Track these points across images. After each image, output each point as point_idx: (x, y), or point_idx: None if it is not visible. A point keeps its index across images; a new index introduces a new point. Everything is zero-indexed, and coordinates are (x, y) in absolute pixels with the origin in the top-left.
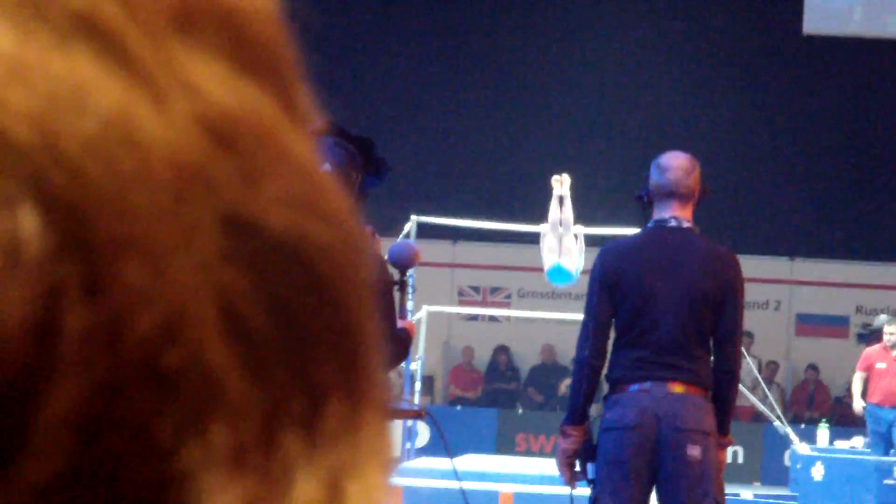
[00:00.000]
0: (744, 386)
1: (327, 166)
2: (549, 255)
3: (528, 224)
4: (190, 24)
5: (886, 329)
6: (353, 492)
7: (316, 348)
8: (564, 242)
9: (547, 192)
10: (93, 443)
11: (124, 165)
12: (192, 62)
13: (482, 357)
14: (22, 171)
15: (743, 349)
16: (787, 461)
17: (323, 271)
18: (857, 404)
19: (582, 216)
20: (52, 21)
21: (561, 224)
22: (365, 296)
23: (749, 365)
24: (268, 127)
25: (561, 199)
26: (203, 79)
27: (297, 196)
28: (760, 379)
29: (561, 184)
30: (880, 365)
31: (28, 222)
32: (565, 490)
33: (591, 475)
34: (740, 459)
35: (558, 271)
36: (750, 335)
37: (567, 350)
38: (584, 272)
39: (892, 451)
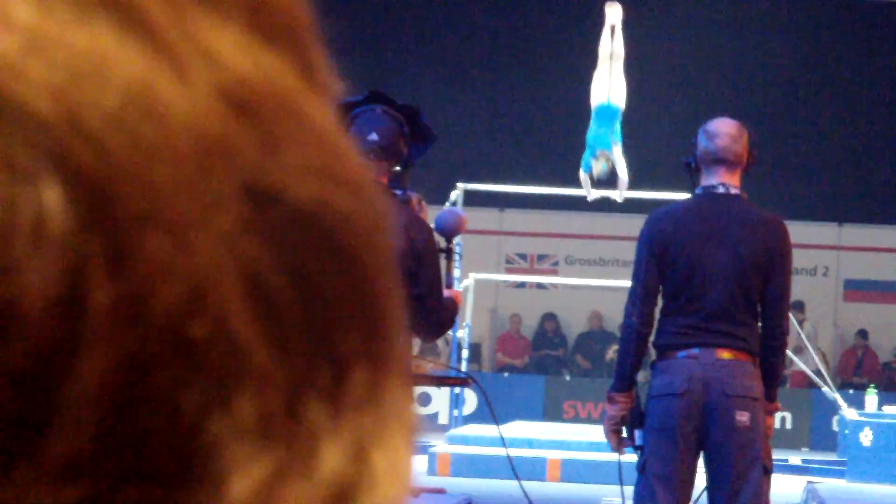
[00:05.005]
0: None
1: (374, 136)
2: (599, 90)
3: (575, 189)
4: None
5: None
6: (377, 458)
7: (339, 317)
8: (614, 75)
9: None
10: (120, 417)
11: (147, 138)
12: (211, 30)
13: (529, 324)
14: (44, 144)
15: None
16: (835, 426)
17: (345, 239)
18: None
19: (630, 181)
20: None
21: (612, 57)
22: (387, 263)
23: (797, 329)
24: (287, 94)
25: (612, 29)
26: (222, 47)
27: (318, 164)
28: (808, 344)
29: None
30: None
31: (51, 196)
32: (613, 457)
33: (638, 442)
34: (789, 425)
35: (606, 109)
36: (800, 305)
37: (614, 317)
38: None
39: None
